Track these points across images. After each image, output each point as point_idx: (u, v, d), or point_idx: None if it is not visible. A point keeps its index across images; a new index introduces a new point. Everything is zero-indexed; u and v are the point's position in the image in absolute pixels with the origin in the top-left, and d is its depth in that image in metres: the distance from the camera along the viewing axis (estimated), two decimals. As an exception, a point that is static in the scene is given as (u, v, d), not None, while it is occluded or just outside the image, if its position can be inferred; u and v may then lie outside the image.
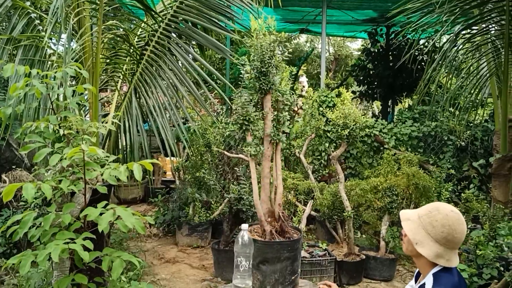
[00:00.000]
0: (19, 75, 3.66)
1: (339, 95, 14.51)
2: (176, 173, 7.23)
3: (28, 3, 4.06)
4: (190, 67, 4.37)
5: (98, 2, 3.99)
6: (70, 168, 2.87)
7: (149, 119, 4.45)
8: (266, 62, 3.38)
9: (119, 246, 5.33)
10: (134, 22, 5.18)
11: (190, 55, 4.45)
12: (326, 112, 4.98)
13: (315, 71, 21.42)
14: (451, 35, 5.62)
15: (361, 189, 5.30)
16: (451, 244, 1.93)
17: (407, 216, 2.09)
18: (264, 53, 3.40)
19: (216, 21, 4.47)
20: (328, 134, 6.72)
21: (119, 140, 4.50)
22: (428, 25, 5.80)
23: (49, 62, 4.19)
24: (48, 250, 2.41)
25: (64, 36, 3.81)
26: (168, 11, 4.53)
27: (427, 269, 2.00)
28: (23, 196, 4.31)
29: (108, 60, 4.59)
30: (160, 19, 4.58)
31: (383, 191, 5.07)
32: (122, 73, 4.72)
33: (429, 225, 1.96)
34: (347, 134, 4.67)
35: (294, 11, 10.39)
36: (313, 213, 5.67)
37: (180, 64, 4.49)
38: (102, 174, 2.72)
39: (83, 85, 2.95)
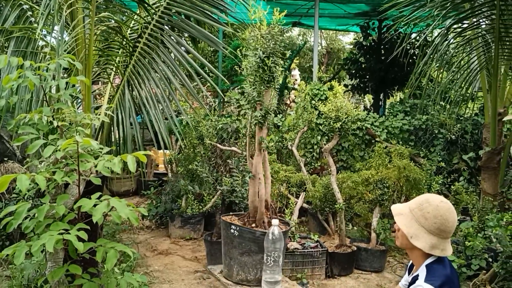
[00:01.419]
0: (11, 67, 3.65)
1: (331, 88, 14.56)
2: (169, 165, 7.24)
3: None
4: (183, 59, 4.37)
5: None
6: (63, 160, 2.89)
7: (141, 112, 4.46)
8: (269, 53, 3.34)
9: (112, 238, 5.34)
10: (127, 14, 5.16)
11: (183, 47, 4.45)
12: (319, 105, 5.01)
13: (308, 65, 21.41)
14: (443, 29, 5.67)
15: (352, 181, 5.34)
16: (445, 234, 1.97)
17: (399, 210, 2.12)
18: (266, 45, 3.35)
19: (209, 13, 4.48)
20: (321, 127, 6.76)
21: (112, 132, 4.51)
22: (420, 19, 5.85)
23: (42, 54, 4.18)
24: (42, 241, 2.43)
25: (57, 28, 3.81)
26: (161, 3, 4.53)
27: (420, 261, 2.03)
28: (16, 188, 4.32)
29: (100, 52, 4.58)
30: (153, 11, 4.57)
31: (374, 183, 5.12)
32: (115, 65, 4.72)
33: (422, 217, 2.00)
34: (339, 127, 4.71)
35: (286, 4, 10.38)
36: (305, 205, 5.71)
37: (173, 56, 4.49)
38: (96, 166, 2.74)
39: (76, 77, 2.95)
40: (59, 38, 3.64)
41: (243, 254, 2.97)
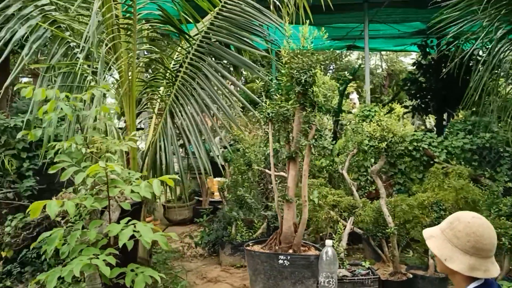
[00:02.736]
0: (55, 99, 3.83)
1: (390, 110, 14.18)
2: (221, 193, 7.26)
3: (68, 33, 4.26)
4: (221, 86, 4.40)
5: (132, 29, 4.14)
6: (98, 186, 2.96)
7: (183, 139, 4.52)
8: (305, 82, 3.22)
9: (162, 266, 5.38)
10: (169, 44, 5.31)
11: (219, 73, 4.49)
12: (364, 126, 4.86)
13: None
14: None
15: (407, 204, 5.08)
16: (483, 252, 1.79)
17: (430, 233, 1.97)
18: (301, 74, 3.25)
19: (248, 40, 4.50)
20: (373, 150, 6.54)
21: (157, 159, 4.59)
22: (478, 32, 5.55)
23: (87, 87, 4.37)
24: (71, 266, 2.47)
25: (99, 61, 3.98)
26: (200, 32, 4.62)
27: (463, 287, 1.86)
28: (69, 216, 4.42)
29: (143, 83, 4.72)
30: (193, 41, 4.68)
31: (429, 206, 4.84)
32: (159, 95, 4.84)
33: (454, 237, 1.85)
34: (386, 147, 4.51)
35: (338, 28, 10.32)
36: (358, 230, 5.49)
37: (215, 84, 4.53)
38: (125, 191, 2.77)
39: (107, 105, 3.04)
40: (101, 71, 3.79)
41: (296, 283, 2.84)
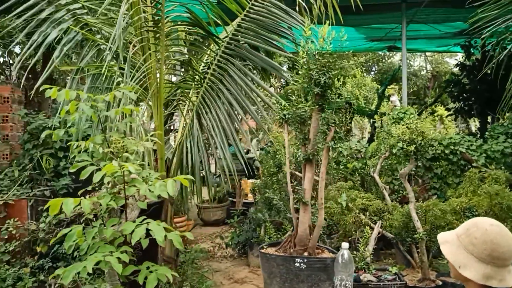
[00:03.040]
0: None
1: (432, 113, 13.81)
2: (253, 194, 7.28)
3: (98, 36, 4.39)
4: (247, 87, 4.41)
5: (160, 32, 4.22)
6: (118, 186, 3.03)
7: (208, 140, 4.57)
8: (324, 83, 3.14)
9: (190, 265, 5.44)
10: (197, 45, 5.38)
11: (246, 76, 4.50)
12: (393, 129, 4.76)
13: (411, 90, 20.61)
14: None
15: (439, 209, 4.93)
16: (499, 261, 1.72)
17: (445, 238, 1.91)
18: (320, 75, 3.18)
19: (274, 42, 4.50)
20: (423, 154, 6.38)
21: (184, 159, 4.65)
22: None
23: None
24: (85, 263, 2.54)
25: (125, 62, 4.08)
26: (228, 35, 4.66)
27: None
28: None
29: (171, 85, 4.79)
30: (221, 43, 4.72)
31: (461, 211, 4.68)
32: (188, 97, 4.91)
33: (469, 244, 1.78)
34: (414, 150, 4.39)
35: (377, 29, 10.14)
36: (389, 234, 5.37)
37: (241, 86, 4.55)
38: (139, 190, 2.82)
39: (127, 106, 3.10)
40: (127, 72, 3.88)
41: (312, 286, 2.82)
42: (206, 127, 4.56)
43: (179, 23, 4.76)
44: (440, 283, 4.52)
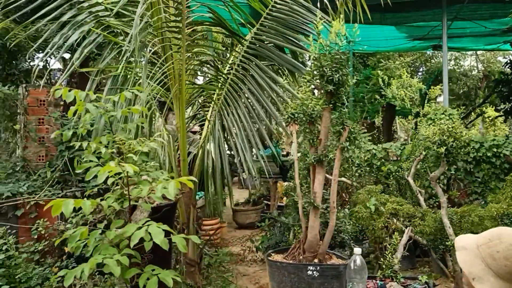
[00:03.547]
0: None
1: (481, 114, 13.19)
2: (285, 197, 7.15)
3: (121, 38, 4.41)
4: (267, 86, 4.30)
5: (181, 33, 4.18)
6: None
7: (229, 141, 4.49)
8: (337, 80, 2.96)
9: (217, 269, 5.39)
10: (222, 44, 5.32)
11: (268, 75, 4.39)
12: (422, 129, 4.49)
13: (461, 90, 19.79)
14: None
15: (476, 215, 4.63)
16: None
17: (463, 244, 1.72)
18: (333, 72, 3.01)
19: (296, 41, 4.37)
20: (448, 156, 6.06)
21: (206, 161, 4.60)
22: None
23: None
24: (82, 266, 2.52)
25: (143, 63, 4.07)
26: (250, 34, 4.57)
27: None
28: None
29: (192, 86, 4.75)
30: (244, 42, 4.64)
31: (499, 218, 4.37)
32: (211, 98, 4.86)
33: (489, 256, 1.59)
34: (445, 153, 4.14)
35: (418, 27, 9.77)
36: (422, 241, 5.11)
37: (264, 87, 4.45)
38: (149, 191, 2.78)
39: (135, 106, 3.07)
40: (144, 73, 3.86)
41: None
42: (227, 129, 4.49)
43: (203, 23, 4.72)
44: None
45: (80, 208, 2.82)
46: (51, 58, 7.27)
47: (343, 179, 5.87)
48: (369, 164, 6.21)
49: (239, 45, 4.76)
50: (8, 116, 5.88)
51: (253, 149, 4.31)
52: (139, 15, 3.55)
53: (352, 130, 2.82)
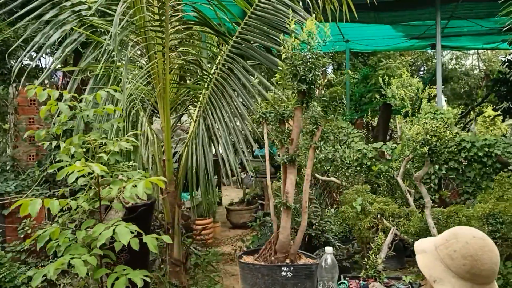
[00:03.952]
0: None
1: (479, 113, 13.11)
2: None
3: (105, 37, 4.40)
4: (252, 87, 4.29)
5: (164, 32, 4.16)
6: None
7: (213, 142, 4.48)
8: (310, 80, 2.90)
9: (204, 269, 5.38)
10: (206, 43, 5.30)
11: (251, 74, 4.38)
12: (406, 129, 4.46)
13: (462, 90, 19.69)
14: None
15: (464, 215, 4.59)
16: (479, 279, 1.51)
17: (423, 247, 1.69)
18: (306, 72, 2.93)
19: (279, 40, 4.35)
20: (439, 156, 6.03)
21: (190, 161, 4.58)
22: None
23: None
24: (50, 266, 2.52)
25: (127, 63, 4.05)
26: (234, 33, 4.56)
27: None
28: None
29: (177, 85, 4.74)
30: (230, 41, 4.63)
31: (484, 218, 4.34)
32: (195, 98, 4.85)
33: (448, 257, 1.57)
34: (429, 152, 4.11)
35: (415, 26, 9.72)
36: (408, 240, 5.07)
37: (246, 83, 4.44)
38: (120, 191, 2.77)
39: (110, 106, 3.06)
40: (126, 72, 3.85)
41: None
42: (211, 128, 4.48)
43: (188, 22, 4.70)
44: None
45: (70, 208, 2.83)
46: (45, 58, 7.24)
47: (332, 179, 5.85)
48: (360, 164, 6.18)
49: (225, 45, 4.74)
50: (-4, 115, 5.90)
51: (244, 149, 4.29)
52: (119, 14, 3.53)
53: (324, 130, 2.81)
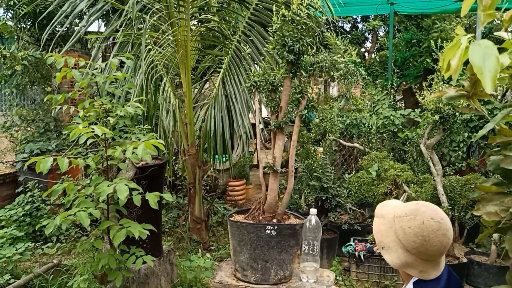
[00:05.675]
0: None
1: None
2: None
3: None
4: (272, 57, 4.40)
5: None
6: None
7: (230, 107, 4.66)
8: (298, 50, 2.92)
9: (222, 226, 5.66)
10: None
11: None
12: (420, 98, 4.41)
13: None
14: None
15: (481, 183, 4.58)
16: (425, 256, 1.60)
17: (383, 212, 1.76)
18: (294, 42, 2.95)
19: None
20: (469, 123, 5.92)
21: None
22: None
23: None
24: (58, 217, 2.82)
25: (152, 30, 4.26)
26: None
27: (407, 277, 1.68)
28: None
29: (200, 52, 4.91)
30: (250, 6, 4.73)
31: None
32: (217, 64, 5.01)
33: (401, 230, 1.63)
34: (441, 120, 4.11)
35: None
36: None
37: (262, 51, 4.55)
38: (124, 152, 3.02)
39: (119, 73, 3.28)
40: (144, 39, 4.06)
41: (282, 252, 2.85)
42: (229, 94, 4.66)
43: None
44: (465, 260, 4.25)
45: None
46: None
47: (356, 145, 5.92)
48: (386, 131, 6.19)
49: (246, 11, 4.84)
50: (41, 79, 6.31)
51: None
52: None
53: (310, 98, 2.92)
